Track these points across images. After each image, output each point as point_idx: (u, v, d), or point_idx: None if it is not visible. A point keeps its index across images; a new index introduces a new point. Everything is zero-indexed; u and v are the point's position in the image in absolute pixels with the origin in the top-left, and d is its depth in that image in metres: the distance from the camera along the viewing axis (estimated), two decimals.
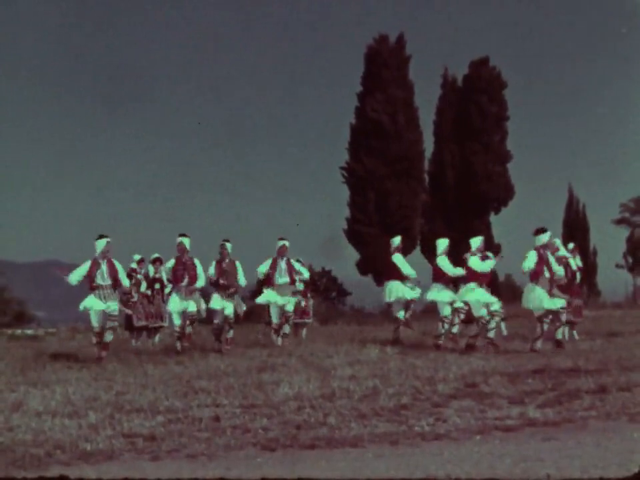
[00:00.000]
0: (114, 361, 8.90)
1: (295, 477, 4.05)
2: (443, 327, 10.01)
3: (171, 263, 10.34)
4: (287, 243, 11.16)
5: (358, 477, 4.02)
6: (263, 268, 10.97)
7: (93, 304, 9.41)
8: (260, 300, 11.25)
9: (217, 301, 10.34)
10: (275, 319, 10.92)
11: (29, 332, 16.30)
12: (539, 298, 9.27)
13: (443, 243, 10.65)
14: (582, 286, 11.58)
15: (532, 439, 4.67)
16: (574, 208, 33.11)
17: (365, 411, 5.51)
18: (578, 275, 11.10)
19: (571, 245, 11.56)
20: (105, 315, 9.48)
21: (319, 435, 4.89)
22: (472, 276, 9.71)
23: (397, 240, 11.35)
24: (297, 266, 11.23)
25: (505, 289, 33.07)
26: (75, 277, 9.48)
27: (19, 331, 16.43)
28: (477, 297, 9.63)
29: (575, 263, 11.12)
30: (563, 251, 10.91)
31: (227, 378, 7.07)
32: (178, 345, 10.13)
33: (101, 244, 9.60)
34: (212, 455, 4.58)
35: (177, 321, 10.21)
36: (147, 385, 6.83)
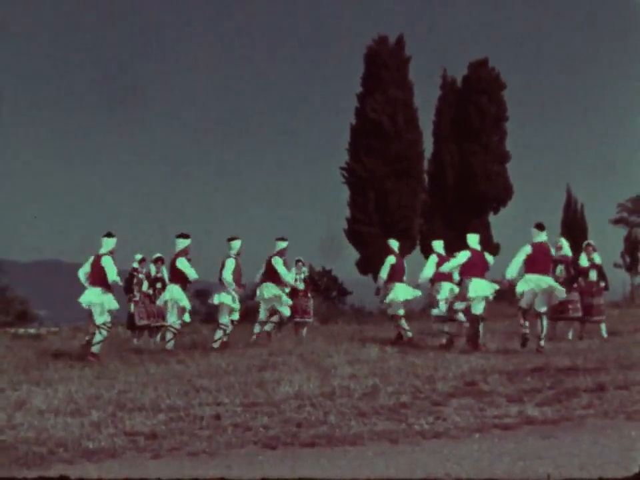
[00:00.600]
0: (116, 360, 8.93)
1: (295, 475, 4.09)
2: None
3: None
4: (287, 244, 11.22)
5: (358, 475, 4.05)
6: (283, 269, 11.00)
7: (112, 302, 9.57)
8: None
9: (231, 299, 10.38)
10: (263, 316, 11.00)
11: (32, 331, 16.31)
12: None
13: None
14: (593, 284, 10.95)
15: (530, 436, 4.72)
16: (572, 208, 33.25)
17: (365, 410, 5.54)
18: (591, 273, 10.81)
19: (584, 243, 11.51)
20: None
21: (319, 433, 4.93)
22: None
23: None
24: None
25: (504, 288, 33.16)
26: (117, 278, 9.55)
27: (21, 330, 16.44)
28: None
29: (588, 260, 10.94)
30: (567, 250, 10.98)
31: (228, 376, 7.09)
32: (172, 344, 10.09)
33: (111, 242, 9.68)
34: (213, 453, 4.62)
35: (178, 319, 10.21)
36: (149, 384, 6.85)
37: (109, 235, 9.76)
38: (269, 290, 10.93)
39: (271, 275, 10.97)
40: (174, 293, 10.14)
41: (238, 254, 10.50)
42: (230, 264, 10.27)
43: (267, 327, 11.00)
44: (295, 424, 5.18)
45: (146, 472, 4.27)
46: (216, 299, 10.37)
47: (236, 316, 10.47)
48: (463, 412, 5.43)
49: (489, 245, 28.83)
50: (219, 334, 10.22)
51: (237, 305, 10.40)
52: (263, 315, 11.04)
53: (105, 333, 9.43)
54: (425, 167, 27.52)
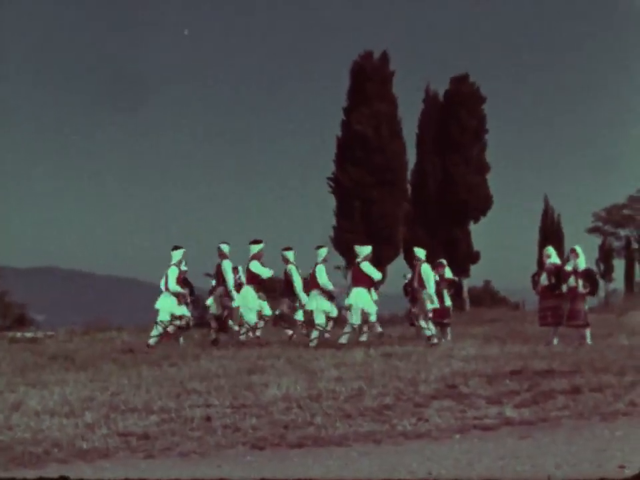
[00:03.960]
0: (109, 363, 8.99)
1: (282, 474, 4.20)
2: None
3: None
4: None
5: (343, 475, 4.17)
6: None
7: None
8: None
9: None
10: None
11: (29, 335, 16.25)
12: None
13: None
14: (571, 289, 10.77)
15: (509, 437, 4.85)
16: (549, 217, 33.85)
17: (350, 411, 5.65)
18: (572, 280, 10.71)
19: (570, 249, 11.63)
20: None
21: (306, 434, 5.05)
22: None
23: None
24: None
25: (483, 294, 33.60)
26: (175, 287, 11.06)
27: (19, 334, 16.38)
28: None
29: (573, 265, 10.92)
30: (555, 258, 11.21)
31: (218, 379, 7.17)
32: (244, 338, 11.15)
33: (178, 254, 11.20)
34: (203, 453, 4.72)
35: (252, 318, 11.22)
36: (141, 386, 6.92)
37: (176, 247, 11.23)
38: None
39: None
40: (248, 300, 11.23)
41: (325, 260, 11.35)
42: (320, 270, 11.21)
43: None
44: (282, 425, 5.28)
45: (138, 471, 4.35)
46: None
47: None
48: (444, 413, 5.55)
49: (469, 252, 29.27)
50: (315, 334, 10.99)
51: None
52: None
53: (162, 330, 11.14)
54: (408, 177, 27.92)
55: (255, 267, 11.27)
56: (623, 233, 36.41)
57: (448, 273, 12.52)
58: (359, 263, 11.05)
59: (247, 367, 7.95)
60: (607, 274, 33.62)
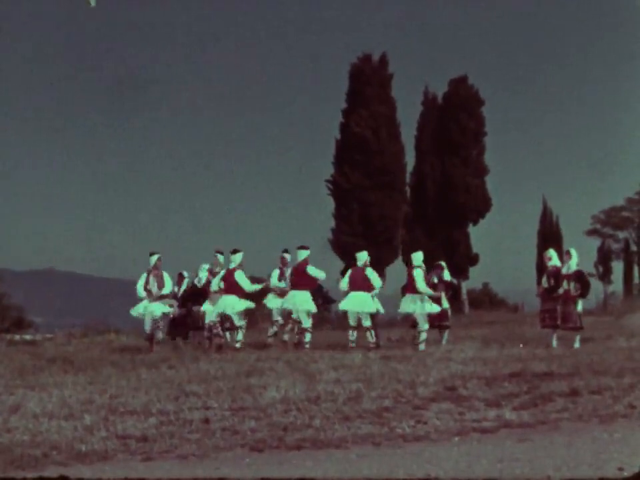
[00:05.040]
0: (108, 365, 9.00)
1: (282, 477, 4.21)
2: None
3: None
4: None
5: (342, 477, 4.17)
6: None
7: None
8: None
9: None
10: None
11: (27, 337, 16.33)
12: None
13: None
14: (565, 291, 10.77)
15: (508, 439, 4.84)
16: (548, 219, 33.88)
17: (349, 414, 5.65)
18: (565, 283, 10.73)
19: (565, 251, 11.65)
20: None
21: (304, 436, 5.05)
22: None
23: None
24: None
25: (482, 297, 33.66)
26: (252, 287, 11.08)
27: (17, 336, 16.47)
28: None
29: (567, 267, 10.95)
30: (555, 261, 11.21)
31: (217, 382, 7.18)
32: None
33: (239, 257, 11.09)
34: (202, 456, 4.72)
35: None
36: (140, 388, 6.94)
37: (235, 251, 11.13)
38: None
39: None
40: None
41: (366, 264, 11.35)
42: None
43: None
44: (281, 427, 5.29)
45: (137, 474, 4.35)
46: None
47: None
48: (443, 416, 5.56)
49: (468, 254, 29.33)
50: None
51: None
52: None
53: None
54: (407, 179, 27.99)
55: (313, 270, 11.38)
56: (621, 235, 36.53)
57: (446, 275, 12.51)
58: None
59: (246, 369, 7.97)
60: (606, 276, 33.67)
